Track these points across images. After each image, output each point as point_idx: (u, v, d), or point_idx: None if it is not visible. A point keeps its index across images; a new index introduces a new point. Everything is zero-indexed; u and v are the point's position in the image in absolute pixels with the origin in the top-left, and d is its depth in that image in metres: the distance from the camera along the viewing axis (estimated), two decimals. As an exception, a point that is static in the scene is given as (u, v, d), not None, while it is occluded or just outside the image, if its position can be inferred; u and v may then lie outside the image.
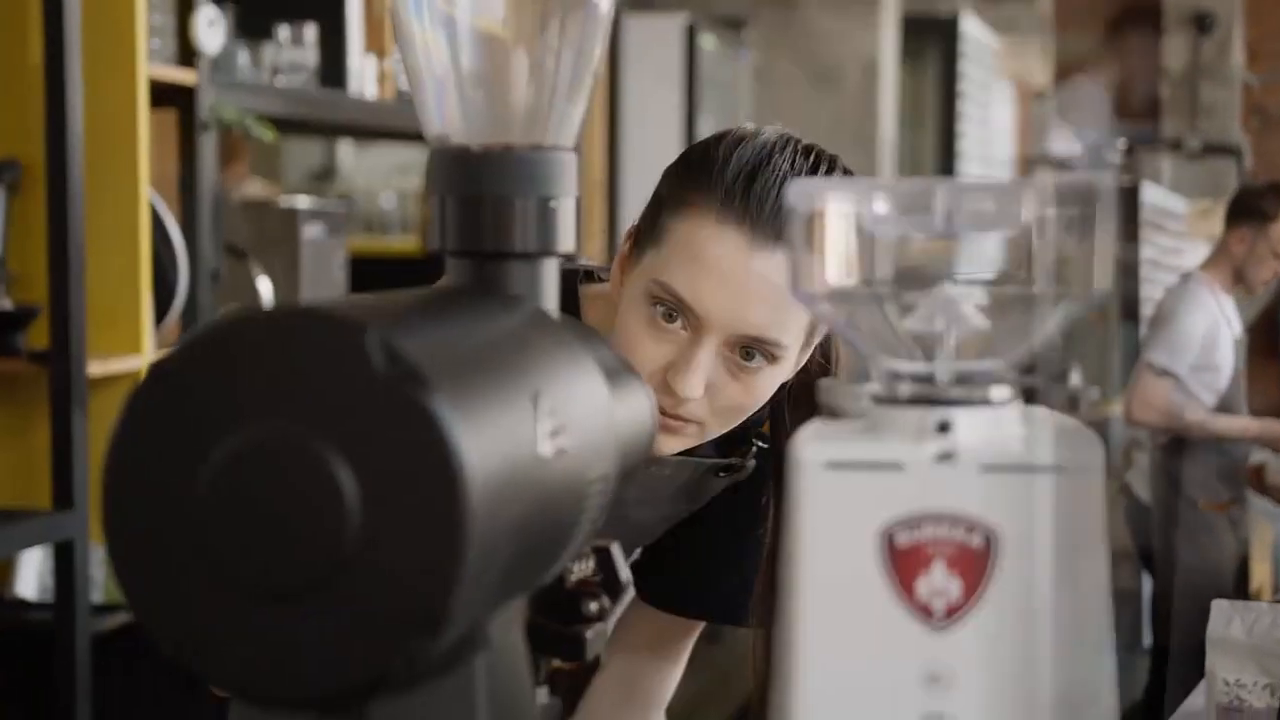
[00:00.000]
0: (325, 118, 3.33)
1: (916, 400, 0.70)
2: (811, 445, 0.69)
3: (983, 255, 0.76)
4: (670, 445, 1.33)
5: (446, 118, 0.79)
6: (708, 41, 5.25)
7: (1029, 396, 0.72)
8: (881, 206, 0.70)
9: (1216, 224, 7.63)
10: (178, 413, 0.62)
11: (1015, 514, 0.67)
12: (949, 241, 0.72)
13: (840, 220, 0.70)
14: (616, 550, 0.86)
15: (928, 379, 0.70)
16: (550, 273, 0.80)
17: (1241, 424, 4.54)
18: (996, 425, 0.69)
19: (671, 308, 1.28)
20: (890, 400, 0.70)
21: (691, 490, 1.48)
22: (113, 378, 2.62)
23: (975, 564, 0.67)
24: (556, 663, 0.90)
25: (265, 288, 3.07)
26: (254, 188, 4.92)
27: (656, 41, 5.11)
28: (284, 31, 3.14)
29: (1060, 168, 6.01)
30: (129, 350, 2.61)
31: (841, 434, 0.70)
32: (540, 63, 0.81)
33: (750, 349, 1.29)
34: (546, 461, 0.68)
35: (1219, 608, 2.01)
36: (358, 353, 0.60)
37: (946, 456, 0.67)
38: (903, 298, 0.71)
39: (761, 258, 1.27)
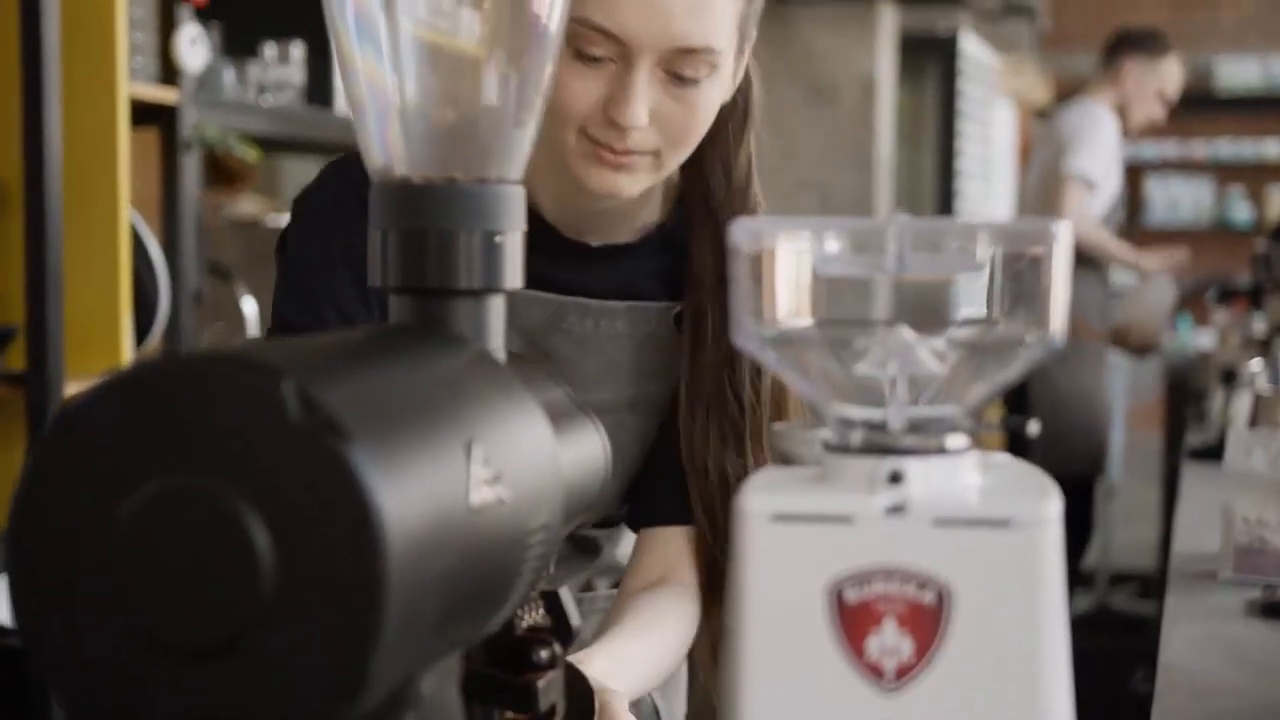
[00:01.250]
0: (311, 136, 3.30)
1: (868, 449, 0.67)
2: (757, 496, 0.66)
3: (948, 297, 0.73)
4: (629, 184, 1.29)
5: (389, 148, 0.76)
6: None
7: (1014, 442, 0.69)
8: (832, 245, 0.67)
9: (1025, 80, 7.73)
10: (87, 461, 0.59)
11: (969, 569, 0.64)
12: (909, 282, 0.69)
13: (787, 260, 0.67)
14: (565, 594, 0.83)
15: (881, 426, 0.67)
16: (496, 310, 0.77)
17: (1136, 252, 4.73)
18: (951, 475, 0.66)
19: (594, 44, 1.24)
20: (841, 448, 0.67)
21: (653, 362, 1.41)
22: (91, 400, 2.58)
23: (927, 622, 0.64)
24: (509, 714, 0.87)
25: (250, 308, 3.04)
26: (247, 205, 4.90)
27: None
28: (270, 49, 3.12)
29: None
30: (109, 372, 2.57)
31: (790, 483, 0.67)
32: (485, 91, 0.78)
33: (684, 67, 1.25)
34: (480, 512, 0.65)
35: (1237, 437, 1.85)
36: (273, 400, 0.57)
37: (897, 509, 0.64)
38: (854, 341, 0.68)
39: None
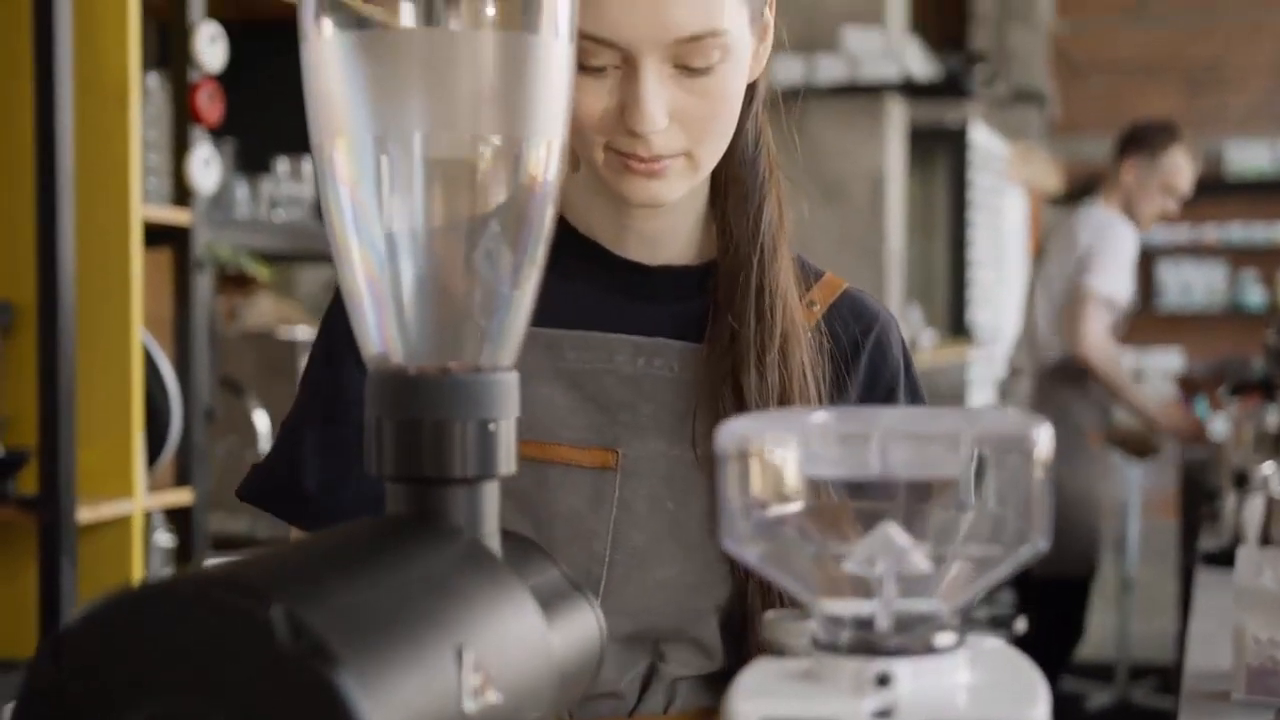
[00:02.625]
0: (323, 250, 3.33)
1: (856, 648, 0.67)
2: (747, 699, 0.66)
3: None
4: (666, 190, 1.21)
5: (385, 338, 0.78)
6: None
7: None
8: (816, 446, 0.67)
9: (1036, 167, 7.75)
10: (79, 686, 0.59)
11: (957, 775, 0.64)
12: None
13: (773, 459, 0.68)
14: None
15: (869, 623, 0.68)
16: (491, 495, 0.78)
17: (1153, 404, 4.70)
18: (940, 675, 0.66)
19: (592, 55, 1.16)
20: (829, 647, 0.68)
21: (715, 415, 1.27)
22: (104, 523, 2.60)
23: (916, 829, 0.64)
24: None
25: (262, 422, 3.05)
26: (264, 305, 4.93)
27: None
28: (282, 164, 3.16)
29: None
30: (121, 494, 2.58)
31: (779, 684, 0.68)
32: (479, 282, 0.79)
33: (692, 57, 1.17)
34: (472, 719, 0.65)
35: (1246, 555, 1.84)
36: (262, 626, 0.58)
37: (885, 714, 0.65)
38: (841, 540, 0.68)
39: None
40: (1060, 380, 4.50)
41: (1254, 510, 2.72)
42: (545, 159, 0.79)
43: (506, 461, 0.77)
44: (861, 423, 0.68)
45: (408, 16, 0.76)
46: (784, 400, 1.27)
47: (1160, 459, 5.17)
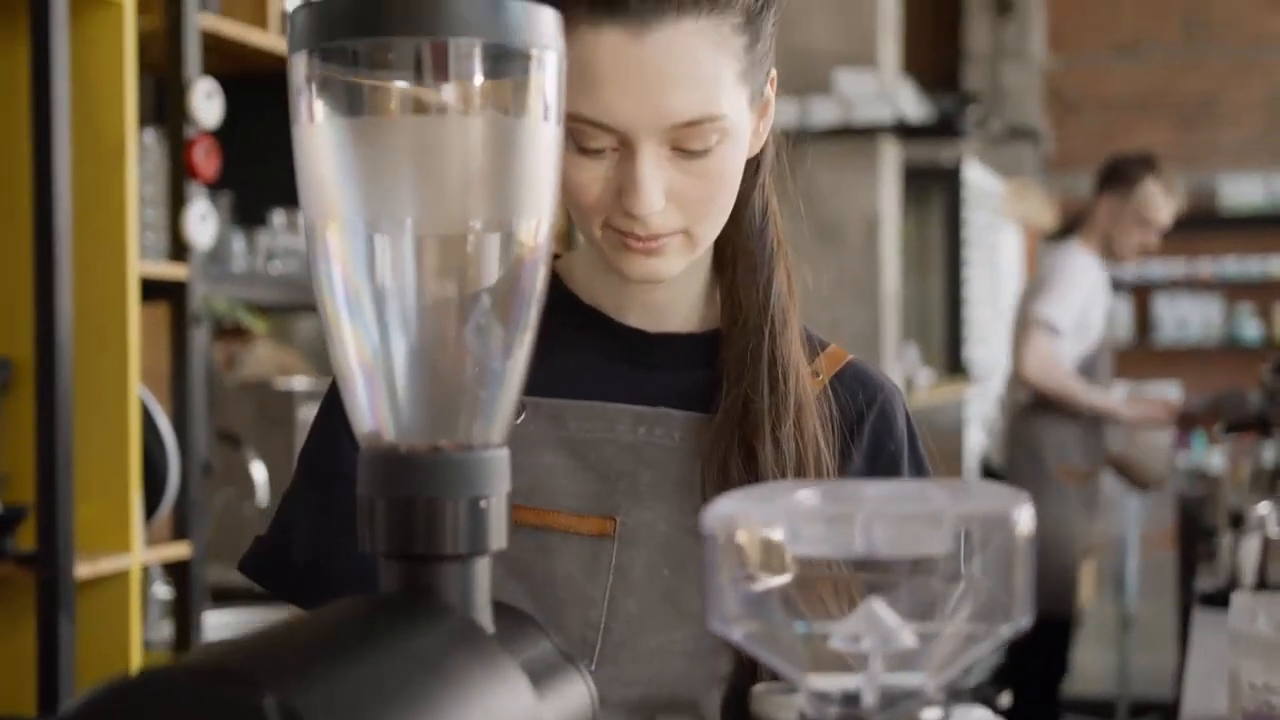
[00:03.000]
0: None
1: (843, 724, 0.68)
2: (735, 776, 0.67)
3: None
4: (665, 267, 1.23)
5: (377, 416, 0.79)
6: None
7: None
8: (802, 526, 0.68)
9: (1030, 203, 7.80)
10: (75, 776, 0.60)
11: None
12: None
13: (759, 540, 0.69)
14: None
15: (855, 698, 0.69)
16: (483, 571, 0.79)
17: (1118, 405, 4.67)
18: (926, 751, 0.67)
19: (590, 138, 1.17)
20: (817, 724, 0.69)
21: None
22: (102, 578, 2.60)
23: None
24: None
25: (260, 473, 3.06)
26: (263, 352, 4.94)
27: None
28: (278, 217, 3.17)
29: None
30: (119, 549, 2.59)
31: (768, 760, 0.69)
32: (470, 359, 0.80)
33: (690, 141, 1.17)
34: (463, 800, 0.66)
35: (1241, 600, 1.84)
36: (255, 715, 0.59)
37: (871, 791, 0.66)
38: (828, 617, 0.69)
39: (652, 40, 1.15)
40: (1033, 416, 4.51)
41: (1250, 551, 2.72)
42: (535, 236, 0.80)
43: (498, 537, 0.78)
44: (847, 502, 0.69)
45: (399, 102, 0.77)
46: (799, 469, 1.28)
47: (1160, 491, 5.17)
